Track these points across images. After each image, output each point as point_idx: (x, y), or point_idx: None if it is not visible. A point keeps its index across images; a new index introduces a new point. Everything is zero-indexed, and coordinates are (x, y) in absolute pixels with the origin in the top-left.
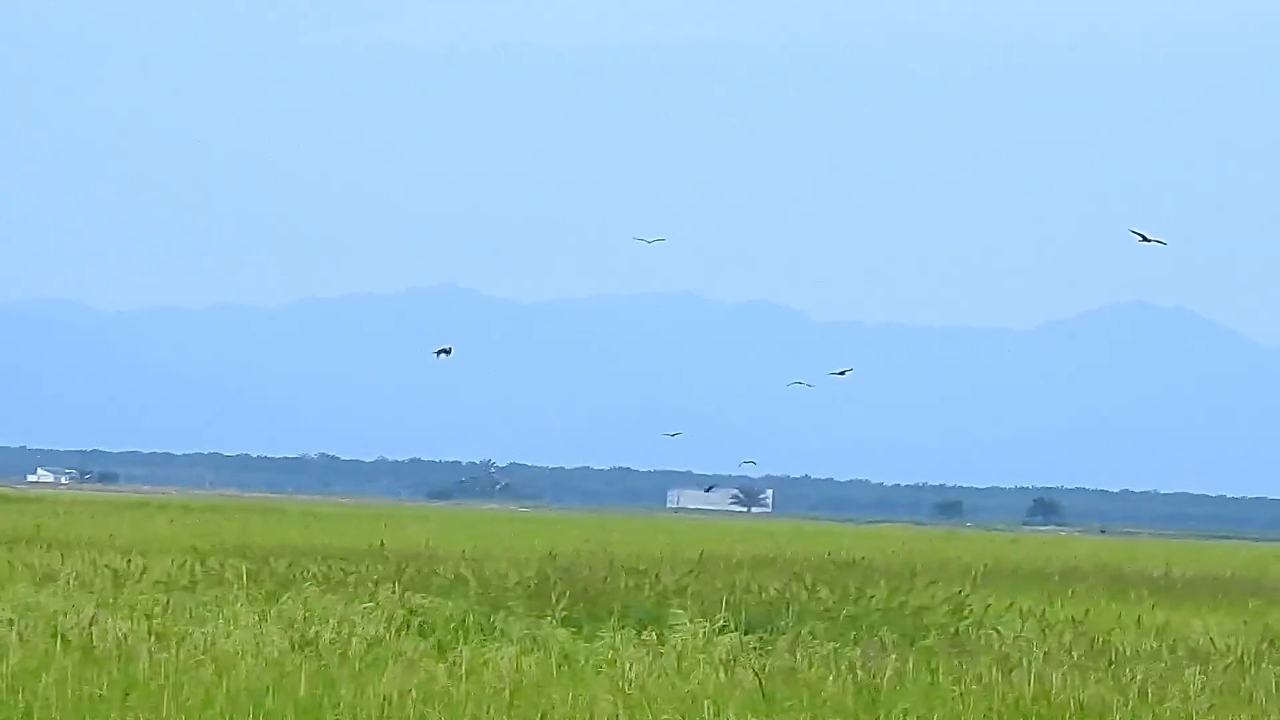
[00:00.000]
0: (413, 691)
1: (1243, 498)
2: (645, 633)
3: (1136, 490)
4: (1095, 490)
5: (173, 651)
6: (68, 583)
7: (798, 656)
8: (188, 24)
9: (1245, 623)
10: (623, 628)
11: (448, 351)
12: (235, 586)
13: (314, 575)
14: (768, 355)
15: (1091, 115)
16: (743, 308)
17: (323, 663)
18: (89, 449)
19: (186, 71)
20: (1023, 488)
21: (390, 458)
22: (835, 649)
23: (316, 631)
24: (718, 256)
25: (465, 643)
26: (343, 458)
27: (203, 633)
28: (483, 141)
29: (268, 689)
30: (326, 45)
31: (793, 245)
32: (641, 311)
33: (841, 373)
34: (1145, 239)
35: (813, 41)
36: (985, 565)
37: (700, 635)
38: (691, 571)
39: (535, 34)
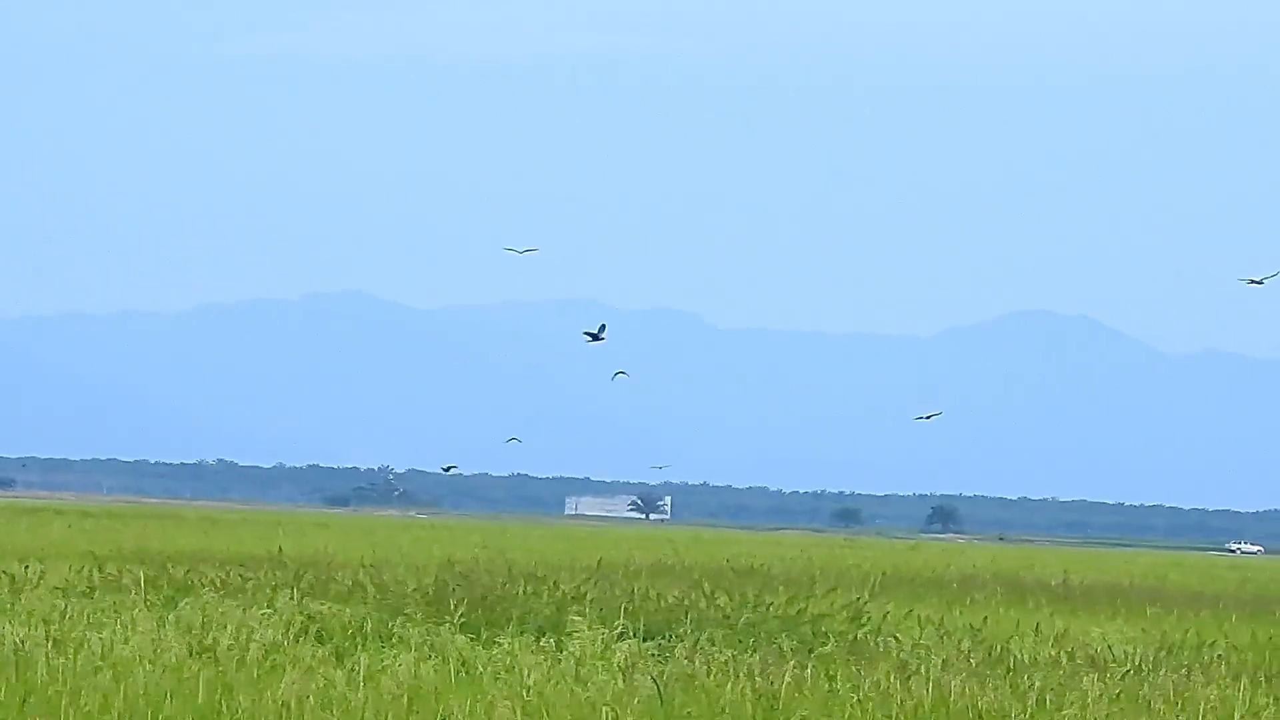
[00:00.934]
0: (311, 698)
1: (1141, 506)
2: (544, 639)
3: (1035, 498)
4: (994, 498)
5: (70, 657)
6: None
7: (696, 663)
8: (83, 31)
9: (1143, 630)
10: (521, 634)
11: (598, 336)
12: (133, 592)
13: (212, 581)
14: (670, 362)
15: (995, 127)
16: (645, 315)
17: (221, 669)
18: None
19: (88, 78)
20: (921, 495)
21: (289, 464)
22: (734, 656)
23: (215, 638)
24: (620, 263)
25: (363, 649)
26: (241, 464)
27: (100, 639)
28: (386, 149)
29: (166, 695)
30: (225, 56)
31: (696, 252)
32: (543, 318)
33: (928, 417)
34: (1255, 281)
35: (713, 51)
36: (884, 573)
37: (599, 642)
38: (590, 578)
39: (440, 42)
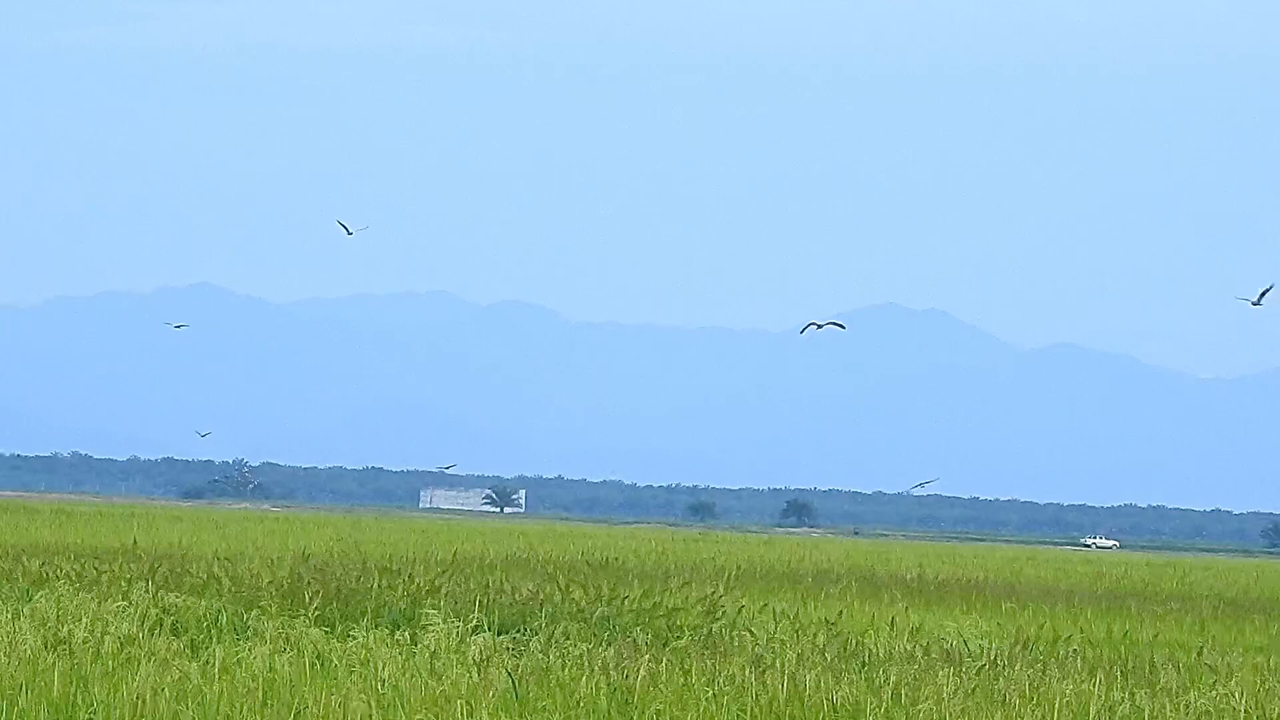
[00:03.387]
0: (166, 691)
1: (995, 500)
2: (398, 633)
3: (889, 492)
4: (848, 492)
5: None
6: None
7: (551, 657)
8: None
9: (998, 625)
10: (376, 627)
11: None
12: None
13: (67, 574)
14: (522, 355)
15: (845, 118)
16: (497, 308)
17: (75, 661)
18: None
19: None
20: (776, 489)
21: (143, 457)
22: (589, 650)
23: (69, 630)
24: (472, 257)
25: (218, 642)
26: (95, 457)
27: None
28: (236, 141)
29: (21, 687)
30: (70, 45)
31: (548, 246)
32: (396, 311)
33: (922, 485)
34: (1255, 303)
35: (555, 40)
36: (738, 567)
37: (454, 635)
38: (445, 572)
39: (284, 33)
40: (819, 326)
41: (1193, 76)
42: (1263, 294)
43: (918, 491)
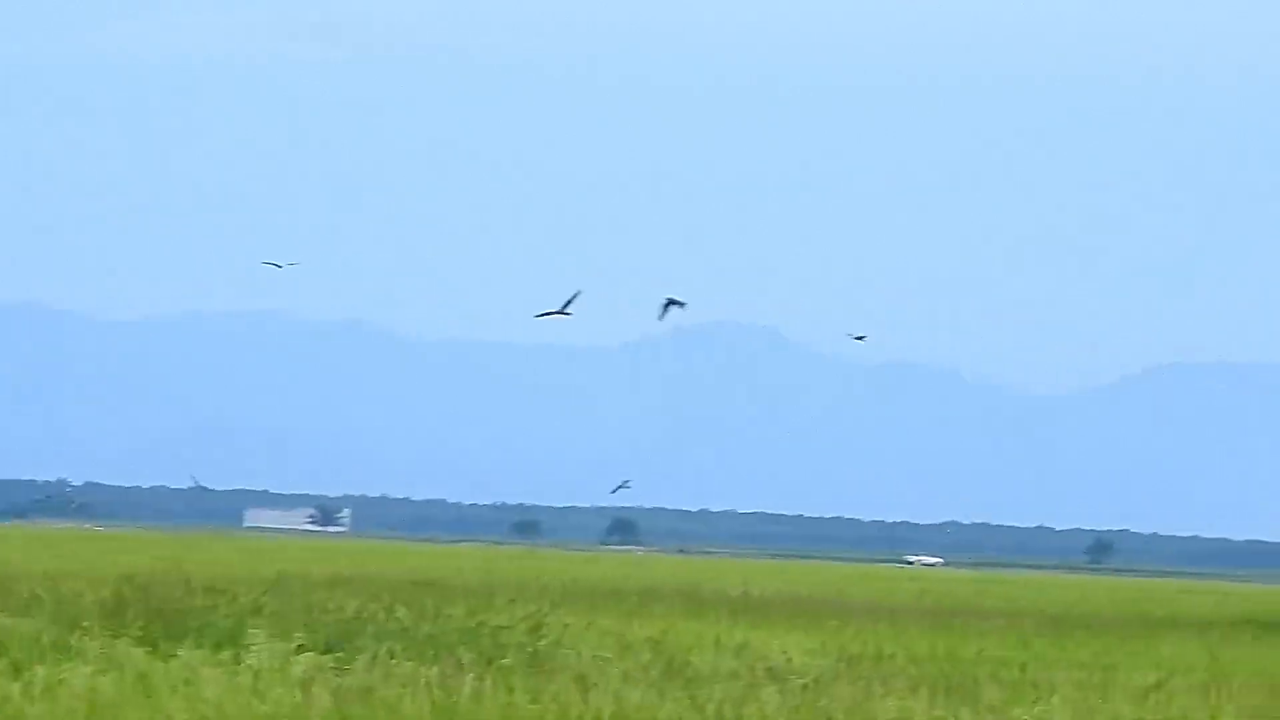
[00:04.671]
0: None
1: (820, 517)
2: (222, 652)
3: (715, 510)
4: (673, 510)
5: None
6: None
7: (376, 676)
8: None
9: (823, 642)
10: (199, 647)
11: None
12: None
13: None
14: (349, 373)
15: (675, 133)
16: (325, 326)
17: None
18: None
19: None
20: (601, 507)
21: None
22: (414, 668)
23: None
24: (307, 274)
25: (41, 662)
26: None
27: None
28: (65, 154)
29: None
30: None
31: (375, 264)
32: (226, 330)
33: (620, 487)
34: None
35: (385, 58)
36: (563, 584)
37: (278, 655)
38: (268, 591)
39: (118, 45)
40: (558, 311)
41: (1008, 89)
42: (667, 306)
43: (615, 494)
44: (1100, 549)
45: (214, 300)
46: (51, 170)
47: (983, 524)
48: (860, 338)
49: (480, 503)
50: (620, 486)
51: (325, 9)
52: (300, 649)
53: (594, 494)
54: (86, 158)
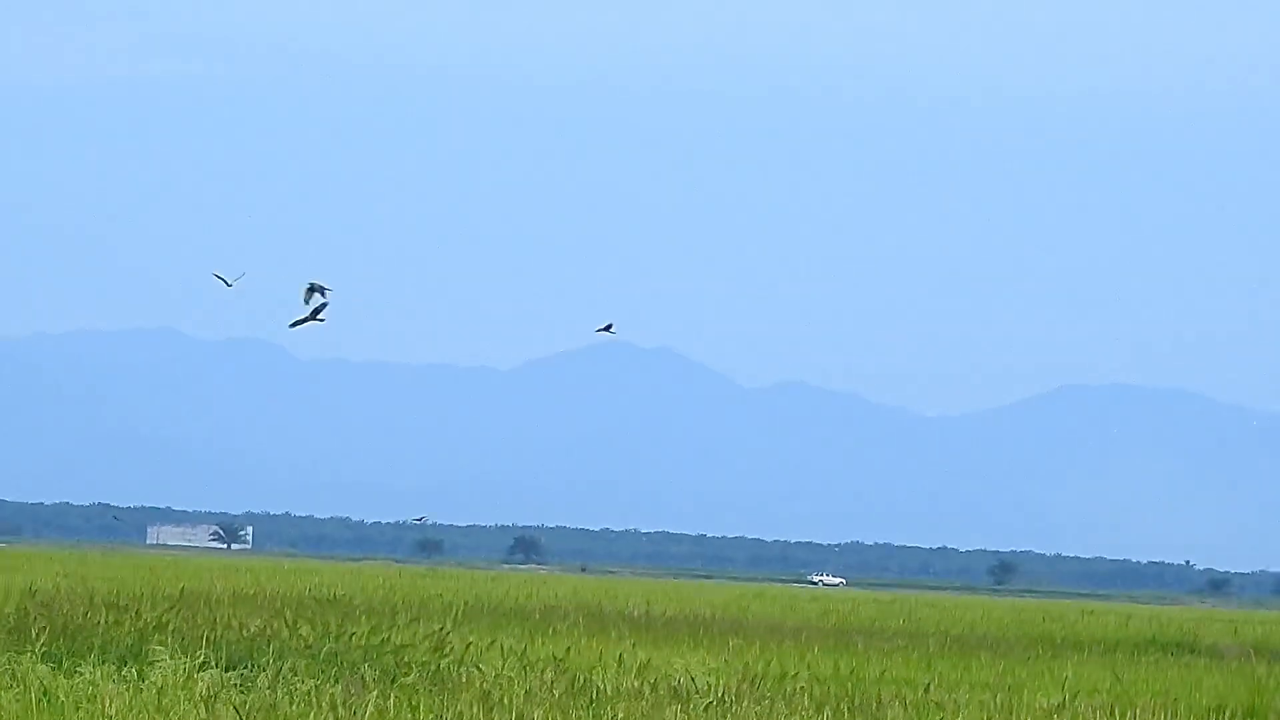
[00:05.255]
0: None
1: (723, 537)
2: (126, 669)
3: (617, 529)
4: (576, 529)
5: None
6: None
7: (279, 694)
8: None
9: (726, 661)
10: (103, 664)
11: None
12: None
13: None
14: (249, 391)
15: (571, 153)
16: (223, 344)
17: None
18: None
19: None
20: (504, 526)
21: None
22: (316, 686)
23: None
24: (199, 293)
25: None
26: None
27: None
28: None
29: None
30: None
31: (271, 280)
32: (123, 347)
33: (419, 520)
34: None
35: (261, 75)
36: (466, 603)
37: (181, 672)
38: (172, 608)
39: (10, 65)
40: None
41: (912, 118)
42: (606, 328)
43: (417, 522)
44: (1003, 570)
45: (107, 318)
46: None
47: (885, 544)
48: (607, 328)
49: (383, 521)
50: (419, 519)
51: (199, 23)
52: (204, 666)
53: (496, 512)
54: None
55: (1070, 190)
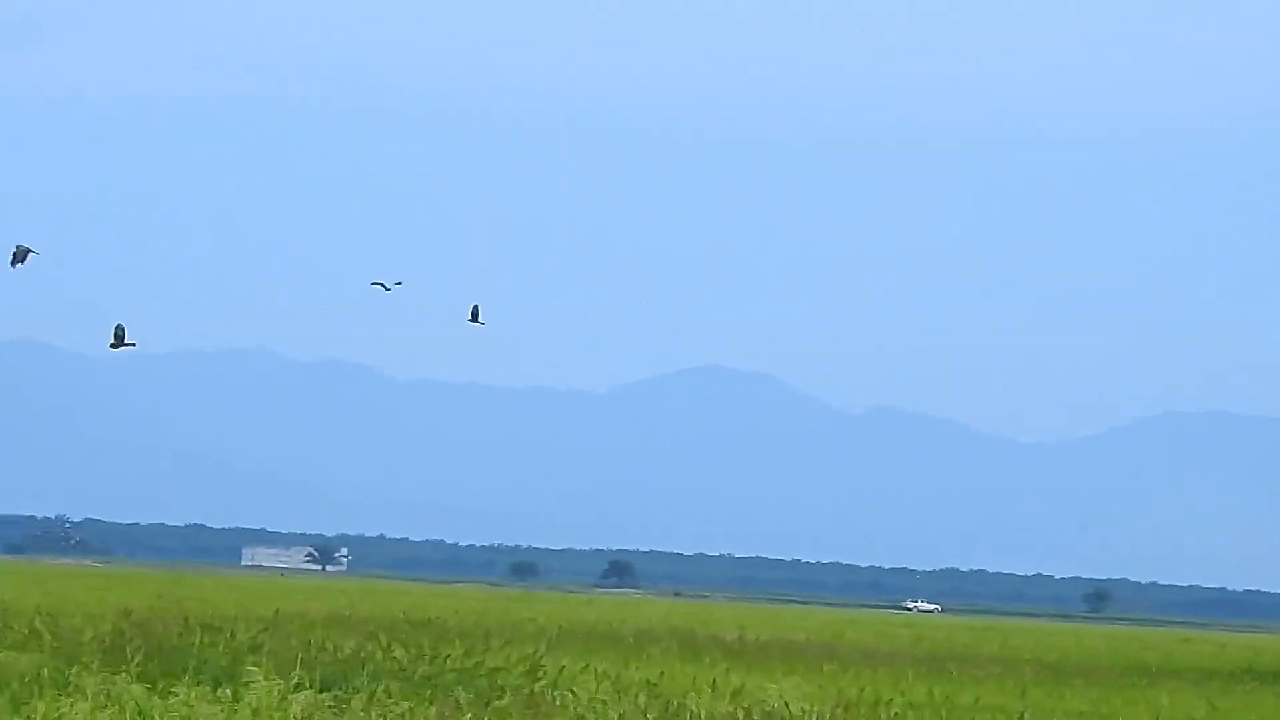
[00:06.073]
0: None
1: (817, 563)
2: (220, 690)
3: (711, 554)
4: (670, 553)
5: None
6: None
7: (373, 716)
8: None
9: (820, 687)
10: (198, 684)
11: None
12: None
13: None
14: (344, 414)
15: (676, 182)
16: (316, 366)
17: None
18: None
19: None
20: (598, 550)
21: None
22: (410, 708)
23: None
24: (294, 314)
25: (40, 698)
26: None
27: None
28: (48, 190)
29: None
30: None
31: (366, 303)
32: (220, 368)
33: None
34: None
35: (358, 94)
36: (560, 627)
37: (275, 693)
38: (266, 629)
39: (85, 81)
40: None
41: (1007, 146)
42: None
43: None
44: (1098, 597)
45: (205, 339)
46: (37, 205)
47: (980, 571)
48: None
49: (477, 544)
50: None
51: (282, 43)
52: (297, 687)
53: (591, 537)
54: (61, 193)
55: (1170, 219)
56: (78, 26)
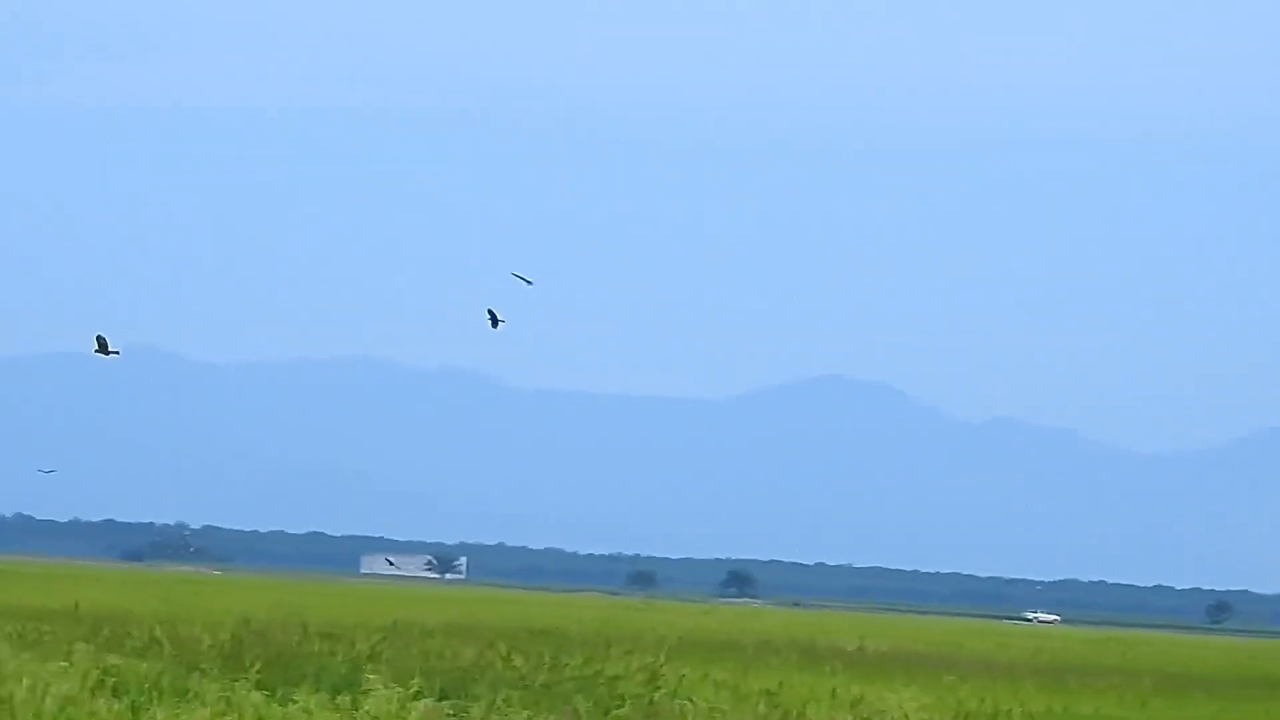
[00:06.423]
0: None
1: (936, 573)
2: (339, 698)
3: (830, 563)
4: (789, 563)
5: None
6: None
7: None
8: None
9: (939, 697)
10: (317, 692)
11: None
12: None
13: (8, 634)
14: (463, 422)
15: (793, 191)
16: (436, 374)
17: None
18: None
19: None
20: (717, 559)
21: (84, 519)
22: (529, 717)
23: (11, 690)
24: (412, 322)
25: (159, 704)
26: (37, 518)
27: None
28: (176, 202)
29: None
30: None
31: (481, 309)
32: (337, 376)
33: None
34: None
35: (486, 105)
36: (679, 636)
37: (394, 701)
38: (385, 637)
39: (201, 92)
40: (525, 280)
41: (1119, 149)
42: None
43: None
44: (1219, 609)
45: (323, 346)
46: (164, 217)
47: (1100, 582)
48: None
49: (596, 553)
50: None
51: (424, 62)
52: (417, 696)
53: (710, 546)
54: (191, 205)
55: None
56: (219, 37)
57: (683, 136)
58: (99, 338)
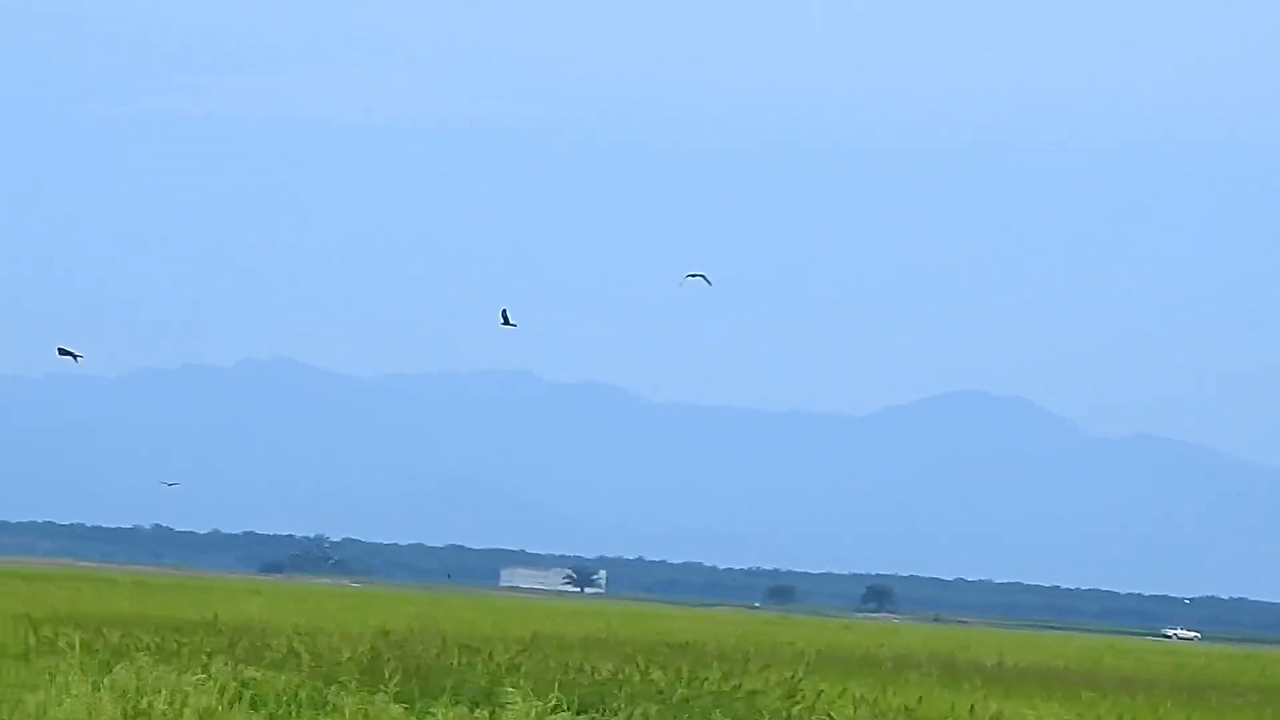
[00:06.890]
0: None
1: (1075, 589)
2: (478, 710)
3: (970, 579)
4: (929, 578)
5: (5, 719)
6: None
7: None
8: None
9: (1078, 714)
10: (455, 705)
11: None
12: (68, 656)
13: (147, 646)
14: (602, 435)
15: (930, 206)
16: (576, 388)
17: None
18: None
19: None
20: (856, 574)
21: (224, 530)
22: None
23: (149, 702)
24: (553, 336)
25: (298, 716)
26: (176, 529)
27: (36, 700)
28: (316, 215)
29: None
30: (127, 118)
31: (628, 326)
32: (478, 389)
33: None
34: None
35: (614, 119)
36: (818, 651)
37: (532, 715)
38: (524, 650)
39: (336, 105)
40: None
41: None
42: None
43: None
44: None
45: (464, 359)
46: (303, 230)
47: (1241, 599)
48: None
49: (735, 567)
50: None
51: (546, 70)
52: (555, 709)
53: (849, 561)
54: (330, 217)
55: None
56: (382, 48)
57: (829, 154)
58: (59, 348)
